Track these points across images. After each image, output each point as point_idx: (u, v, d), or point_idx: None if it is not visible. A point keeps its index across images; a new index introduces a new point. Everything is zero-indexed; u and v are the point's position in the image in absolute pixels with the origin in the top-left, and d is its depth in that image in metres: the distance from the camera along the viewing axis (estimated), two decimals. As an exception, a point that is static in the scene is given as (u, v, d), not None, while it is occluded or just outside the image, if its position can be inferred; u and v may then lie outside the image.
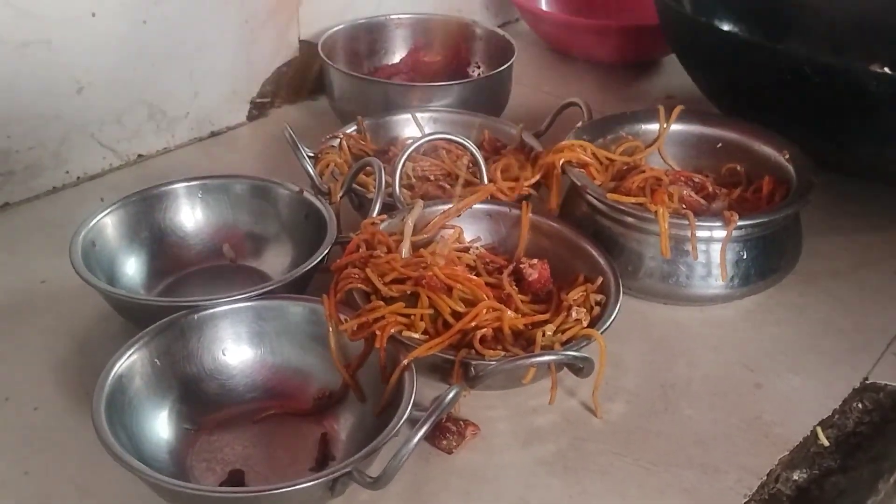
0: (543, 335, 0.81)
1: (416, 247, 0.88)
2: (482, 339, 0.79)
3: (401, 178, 0.95)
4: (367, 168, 0.97)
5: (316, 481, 0.63)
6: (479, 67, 1.41)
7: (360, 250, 0.85)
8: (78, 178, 1.15)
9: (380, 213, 0.91)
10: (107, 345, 0.79)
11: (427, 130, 1.14)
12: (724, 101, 1.20)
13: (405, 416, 0.69)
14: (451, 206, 0.93)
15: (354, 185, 0.98)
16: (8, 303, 0.94)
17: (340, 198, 0.97)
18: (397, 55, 1.42)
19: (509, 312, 0.82)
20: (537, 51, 1.61)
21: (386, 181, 0.92)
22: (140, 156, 1.21)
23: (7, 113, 1.04)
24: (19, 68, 1.03)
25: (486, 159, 1.01)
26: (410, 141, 0.99)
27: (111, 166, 1.18)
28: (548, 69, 1.55)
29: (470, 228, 0.95)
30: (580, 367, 0.77)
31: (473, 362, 0.76)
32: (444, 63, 1.41)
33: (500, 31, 1.39)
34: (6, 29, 1.01)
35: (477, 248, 0.92)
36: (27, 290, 0.95)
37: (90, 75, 1.10)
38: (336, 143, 1.08)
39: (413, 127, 1.15)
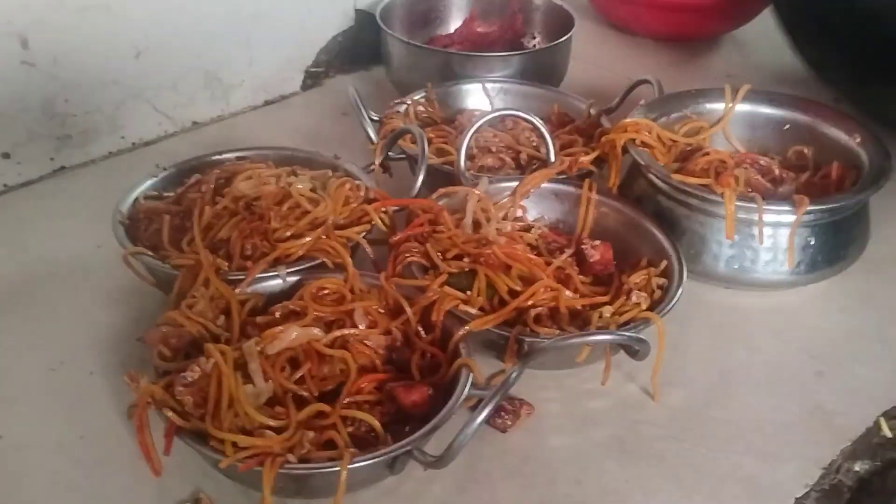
0: (600, 316, 0.80)
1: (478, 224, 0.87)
2: (538, 319, 0.79)
3: (467, 152, 0.94)
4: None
5: (375, 459, 0.63)
6: (534, 38, 1.39)
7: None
8: (133, 143, 1.15)
9: (424, 182, 0.90)
10: (162, 311, 0.79)
11: (496, 101, 1.13)
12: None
13: (464, 395, 0.68)
14: (516, 182, 0.92)
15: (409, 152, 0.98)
16: (64, 267, 0.94)
17: (379, 164, 0.96)
18: (452, 25, 1.40)
19: (567, 292, 0.81)
20: (593, 25, 1.57)
21: (440, 152, 0.89)
22: (195, 123, 1.20)
23: (66, 77, 1.04)
24: (78, 32, 1.03)
25: (552, 133, 0.99)
26: (478, 114, 0.97)
27: (166, 133, 1.18)
28: (604, 44, 1.52)
29: (535, 207, 0.94)
30: (636, 350, 0.75)
31: (527, 339, 0.75)
32: (499, 34, 1.38)
33: (559, 1, 1.36)
34: (66, -8, 1.01)
35: (539, 227, 0.91)
36: (83, 254, 0.95)
37: (148, 40, 1.10)
38: (402, 108, 1.07)
39: (479, 96, 1.14)
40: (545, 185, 0.93)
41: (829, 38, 1.15)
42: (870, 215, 0.96)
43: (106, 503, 0.70)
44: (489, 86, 1.14)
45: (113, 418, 0.76)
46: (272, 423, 0.66)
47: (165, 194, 0.92)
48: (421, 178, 0.90)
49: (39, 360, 0.82)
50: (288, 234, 0.83)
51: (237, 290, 0.77)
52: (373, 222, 0.86)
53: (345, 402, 0.70)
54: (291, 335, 0.72)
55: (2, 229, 1.00)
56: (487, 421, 0.75)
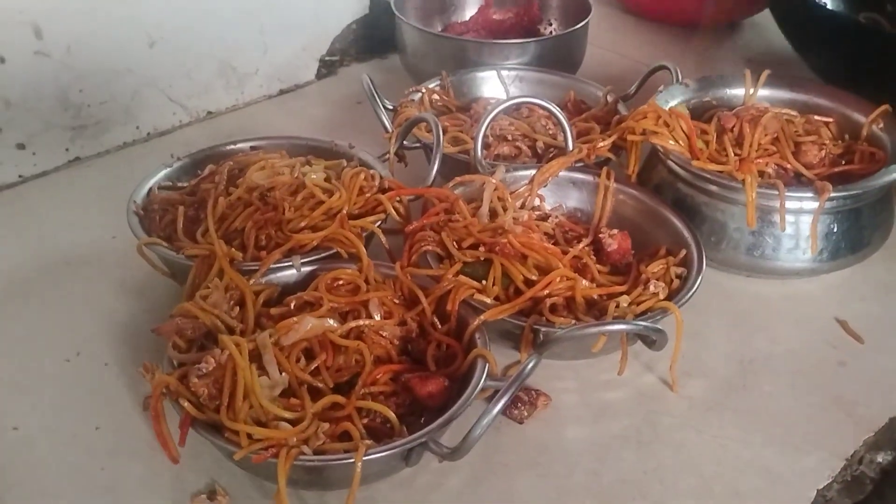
0: (617, 306, 0.79)
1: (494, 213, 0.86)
2: (554, 308, 0.78)
3: (483, 140, 0.92)
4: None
5: (390, 451, 0.63)
6: (550, 25, 1.38)
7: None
8: (148, 133, 1.15)
9: (439, 170, 0.89)
10: (177, 302, 0.78)
11: (512, 89, 1.13)
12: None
13: (480, 386, 0.68)
14: (533, 171, 0.91)
15: (424, 140, 0.97)
16: (79, 257, 0.94)
17: (394, 153, 0.95)
18: (468, 12, 1.39)
19: (583, 282, 0.80)
20: (610, 11, 1.56)
21: (456, 140, 0.88)
22: (209, 112, 1.20)
23: (80, 67, 1.04)
24: (92, 22, 1.03)
25: (568, 120, 0.98)
26: (494, 102, 0.96)
27: (181, 122, 1.18)
28: (621, 30, 1.51)
29: (552, 196, 0.93)
30: (653, 340, 0.74)
31: (542, 328, 0.75)
32: (514, 20, 1.37)
33: (575, -13, 1.35)
34: (80, -18, 1.01)
35: (557, 216, 0.90)
36: (98, 246, 0.95)
37: (162, 30, 1.09)
38: (417, 97, 1.07)
39: (495, 84, 1.13)
40: (562, 173, 0.92)
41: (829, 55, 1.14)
42: (894, 201, 0.95)
43: (121, 494, 0.70)
44: (505, 73, 1.13)
45: (128, 409, 0.76)
46: (287, 414, 0.66)
47: (180, 185, 0.92)
48: (436, 166, 0.89)
49: (55, 351, 0.82)
50: (302, 224, 0.83)
51: (251, 281, 0.77)
52: (387, 212, 0.85)
53: (360, 393, 0.70)
54: (306, 326, 0.71)
55: (17, 220, 1.00)
56: (504, 412, 0.75)
